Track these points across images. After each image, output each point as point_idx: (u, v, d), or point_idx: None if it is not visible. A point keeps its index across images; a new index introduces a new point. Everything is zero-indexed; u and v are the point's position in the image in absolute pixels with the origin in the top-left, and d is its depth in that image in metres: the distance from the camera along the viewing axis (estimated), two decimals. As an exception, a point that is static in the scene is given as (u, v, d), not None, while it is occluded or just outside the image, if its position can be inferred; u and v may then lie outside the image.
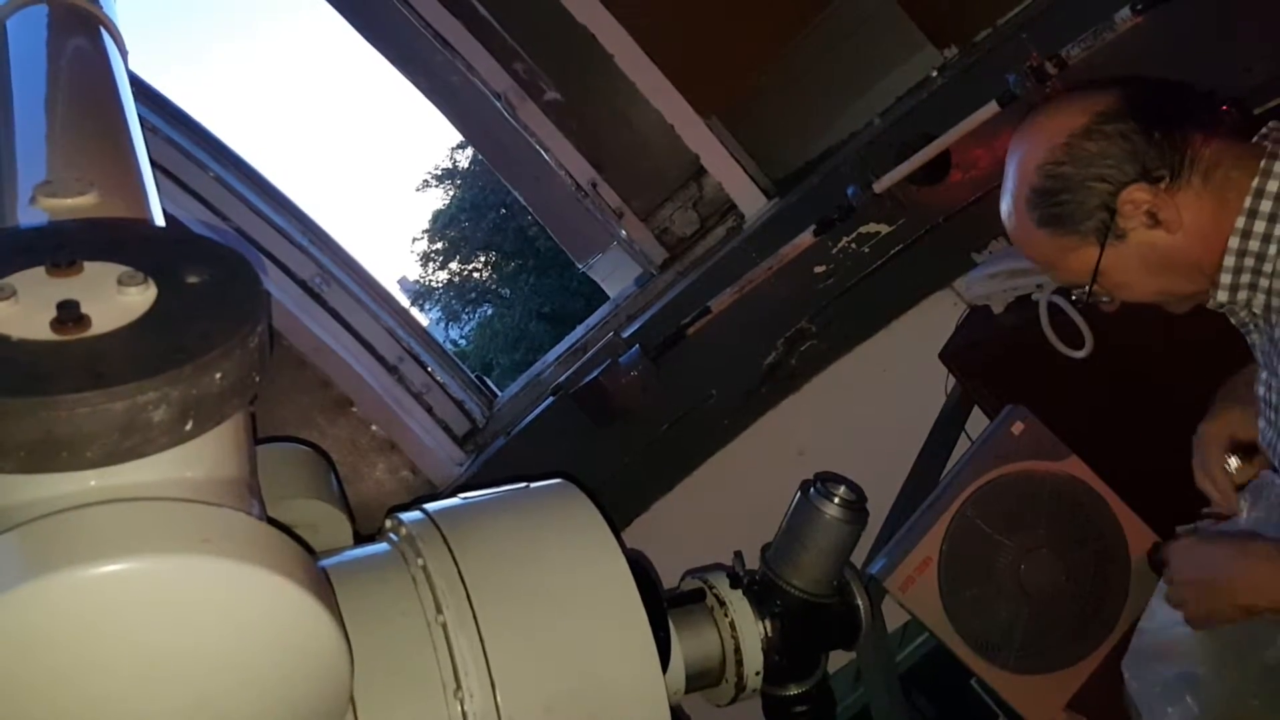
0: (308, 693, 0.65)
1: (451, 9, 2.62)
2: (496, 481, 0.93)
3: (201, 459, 0.64)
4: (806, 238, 2.39)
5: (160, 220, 0.89)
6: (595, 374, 2.47)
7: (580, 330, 3.06)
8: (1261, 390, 1.34)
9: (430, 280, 20.79)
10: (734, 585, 1.06)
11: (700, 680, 1.02)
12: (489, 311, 20.00)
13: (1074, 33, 2.06)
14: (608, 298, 3.16)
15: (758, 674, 1.02)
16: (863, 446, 2.27)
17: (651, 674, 0.81)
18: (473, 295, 20.35)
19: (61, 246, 0.65)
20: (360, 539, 1.06)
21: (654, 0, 2.58)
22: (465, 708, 0.75)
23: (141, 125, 1.02)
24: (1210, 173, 1.27)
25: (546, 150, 2.78)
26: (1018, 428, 1.86)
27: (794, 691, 1.07)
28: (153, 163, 0.97)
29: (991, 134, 2.18)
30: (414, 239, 31.11)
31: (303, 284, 2.76)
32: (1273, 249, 1.23)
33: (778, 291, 2.46)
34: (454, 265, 20.49)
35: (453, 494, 0.92)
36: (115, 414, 0.56)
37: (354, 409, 2.72)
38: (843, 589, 1.10)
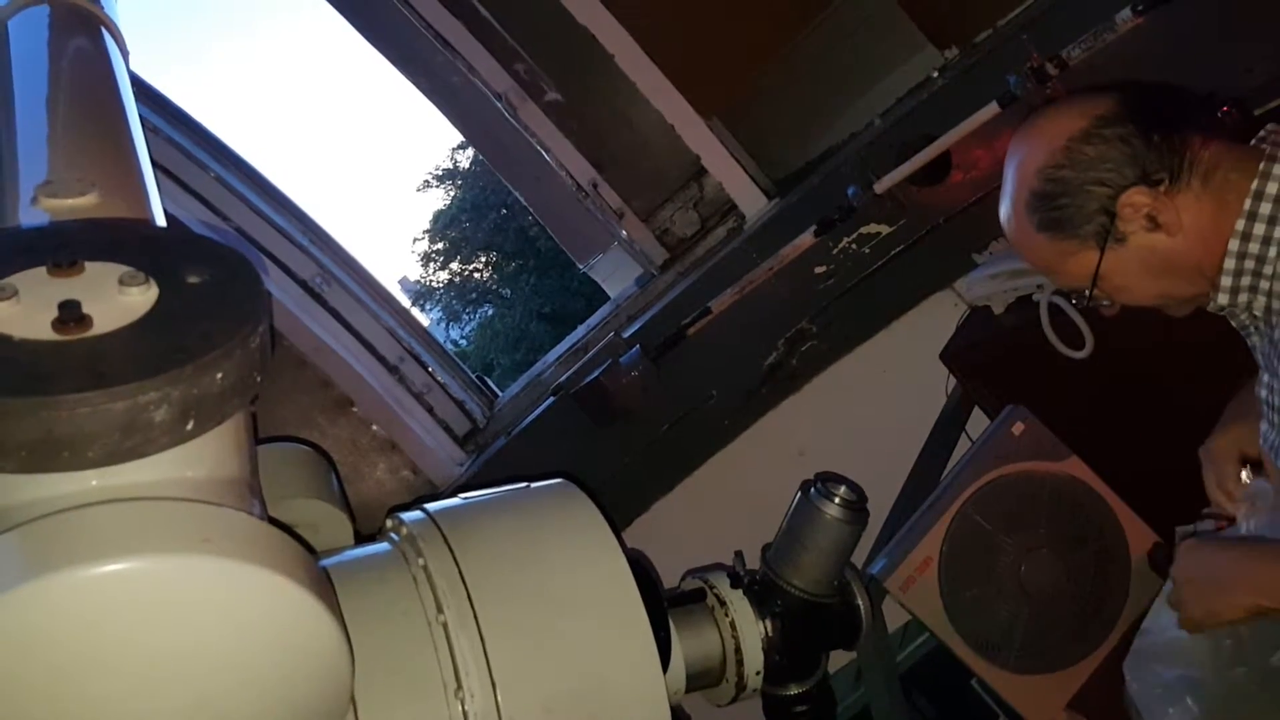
0: (308, 692, 0.65)
1: (452, 9, 2.62)
2: (497, 481, 0.93)
3: (202, 459, 0.64)
4: (807, 238, 2.39)
5: (161, 220, 0.89)
6: (596, 374, 2.47)
7: (581, 330, 3.06)
8: (1263, 392, 1.34)
9: (431, 280, 20.82)
10: (734, 585, 1.06)
11: (701, 680, 1.02)
12: (490, 312, 20.00)
13: (1075, 34, 2.06)
14: (608, 298, 3.16)
15: (758, 674, 1.02)
16: (863, 447, 2.27)
17: (652, 673, 0.81)
18: (473, 295, 20.36)
19: (63, 246, 0.65)
20: (361, 539, 1.06)
21: (654, 0, 2.58)
22: (466, 708, 0.75)
23: (142, 125, 1.03)
24: (1209, 175, 1.27)
25: (547, 150, 2.78)
26: (1018, 428, 1.86)
27: (794, 691, 1.07)
28: (154, 163, 0.97)
29: (992, 135, 2.18)
30: (415, 239, 31.11)
31: (303, 284, 2.76)
32: (1272, 251, 1.23)
33: (778, 292, 2.46)
34: (455, 265, 20.50)
35: (453, 494, 0.92)
36: (116, 414, 0.56)
37: (355, 409, 2.72)
38: (843, 589, 1.10)
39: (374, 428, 2.73)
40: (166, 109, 2.70)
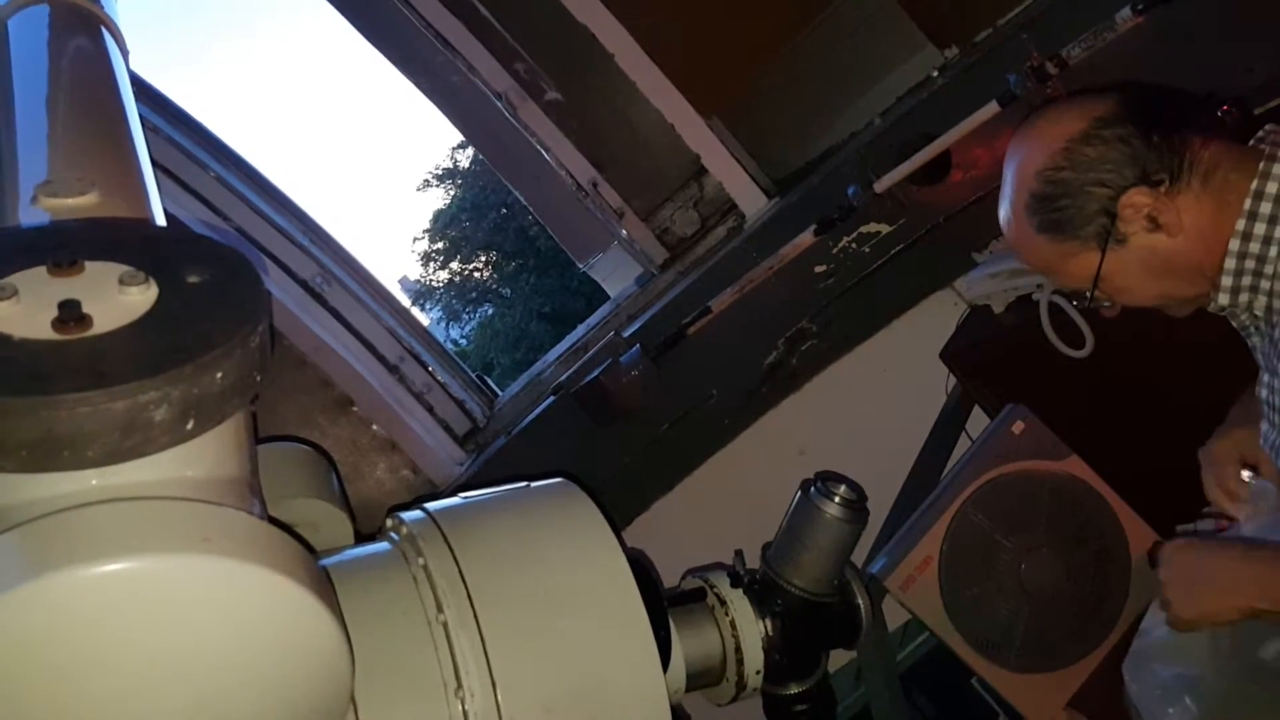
0: (309, 692, 0.65)
1: (452, 9, 2.62)
2: (497, 481, 0.93)
3: (202, 458, 0.65)
4: (807, 237, 2.39)
5: (161, 220, 0.89)
6: (596, 373, 2.47)
7: (581, 330, 3.06)
8: (1264, 392, 1.34)
9: (431, 280, 20.82)
10: (734, 584, 1.06)
11: (701, 679, 1.02)
12: (490, 311, 20.01)
13: (1075, 33, 2.06)
14: (608, 297, 3.16)
15: (758, 673, 1.02)
16: (863, 446, 2.27)
17: (652, 673, 0.81)
18: (473, 295, 20.36)
19: (63, 246, 0.65)
20: (361, 538, 1.06)
21: (654, 0, 2.58)
22: (466, 707, 0.76)
23: (142, 125, 1.02)
24: (1209, 175, 1.27)
25: (547, 150, 2.78)
26: (1018, 427, 1.86)
27: (795, 690, 1.07)
28: (154, 162, 0.97)
29: (992, 134, 2.18)
30: (415, 239, 31.13)
31: (303, 284, 2.76)
32: (1273, 250, 1.23)
33: (778, 291, 2.46)
34: (455, 265, 20.50)
35: (453, 493, 0.92)
36: (116, 413, 0.56)
37: (355, 408, 2.72)
38: (843, 588, 1.10)
39: (374, 427, 2.73)
40: (166, 108, 2.70)
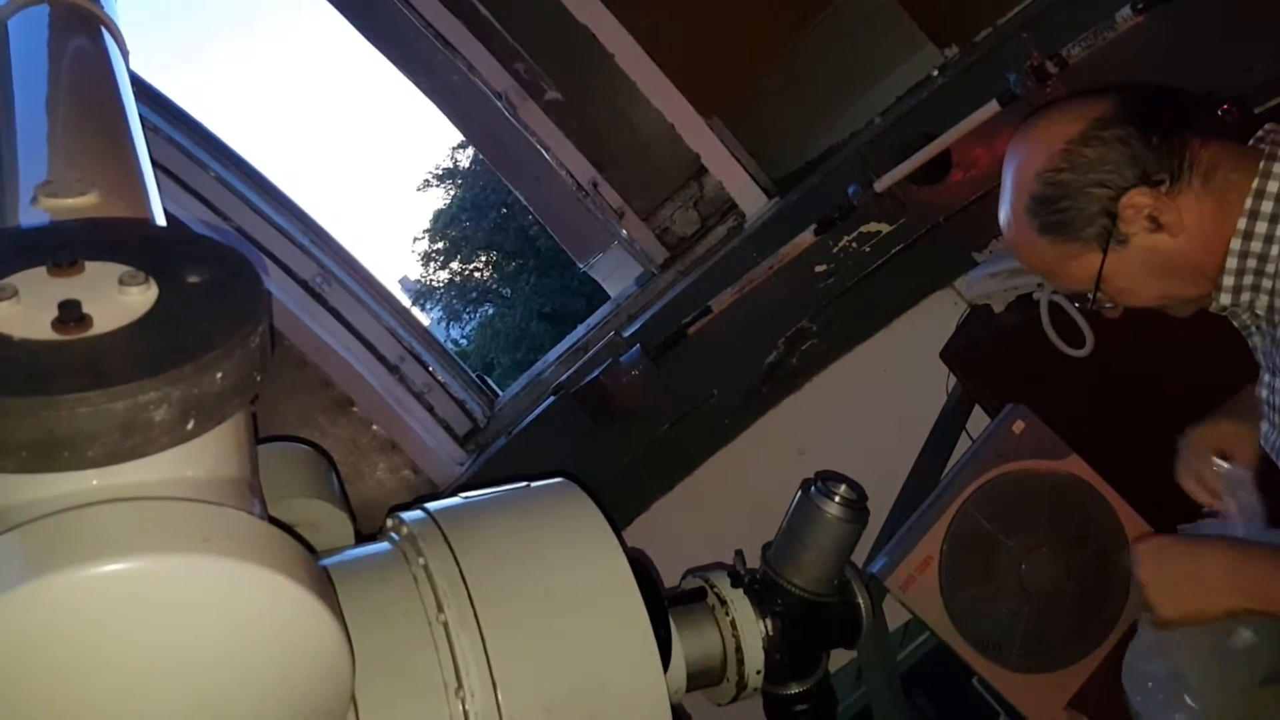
0: (309, 692, 0.65)
1: (452, 9, 2.62)
2: (497, 481, 0.93)
3: (202, 458, 0.65)
4: (807, 237, 2.39)
5: (161, 220, 0.89)
6: (596, 373, 2.47)
7: (581, 330, 3.06)
8: (1264, 393, 1.34)
9: (431, 280, 20.82)
10: (735, 584, 1.06)
11: (701, 679, 1.02)
12: (490, 311, 20.01)
13: (1075, 32, 2.06)
14: (608, 297, 3.16)
15: (759, 673, 1.02)
16: (863, 446, 2.27)
17: (652, 673, 0.81)
18: (474, 295, 20.36)
19: (63, 246, 0.65)
20: (361, 538, 1.06)
21: (655, 0, 2.58)
22: (466, 707, 0.76)
23: (142, 125, 1.02)
24: (1210, 175, 1.27)
25: (547, 150, 2.79)
26: (1019, 426, 1.86)
27: (795, 690, 1.07)
28: (154, 162, 0.97)
29: (992, 133, 2.18)
30: (415, 239, 31.12)
31: (304, 284, 2.76)
32: (1274, 249, 1.23)
33: (778, 291, 2.46)
34: (455, 265, 20.50)
35: (454, 493, 0.92)
36: (116, 413, 0.56)
37: (355, 408, 2.72)
38: (844, 588, 1.10)
39: (374, 427, 2.73)
40: (167, 109, 2.71)
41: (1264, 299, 1.26)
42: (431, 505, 0.89)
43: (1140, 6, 1.98)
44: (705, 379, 2.57)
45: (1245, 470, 1.44)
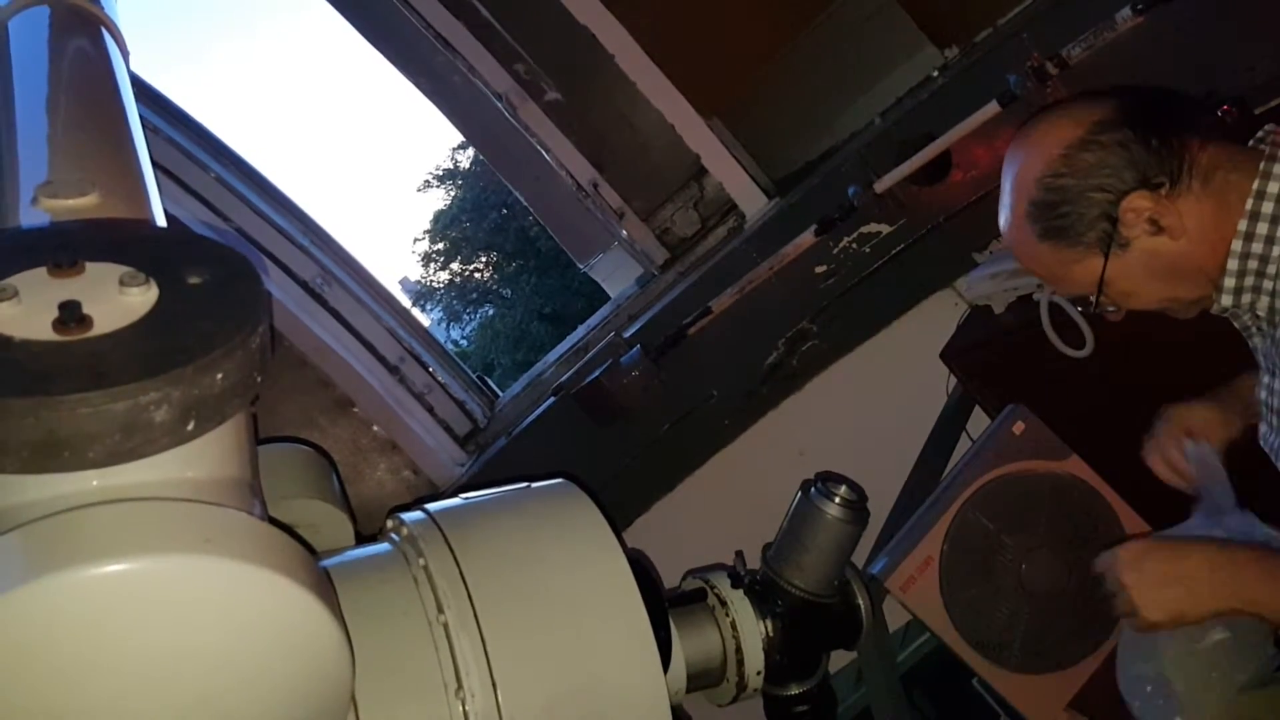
0: (309, 692, 0.65)
1: (452, 9, 2.62)
2: (498, 481, 0.93)
3: (203, 459, 0.64)
4: (807, 238, 2.39)
5: (162, 221, 0.89)
6: (597, 374, 2.47)
7: (581, 330, 3.06)
8: (1263, 394, 1.34)
9: (431, 280, 20.84)
10: (735, 585, 1.06)
11: (701, 680, 1.02)
12: (490, 312, 20.02)
13: (1075, 33, 2.06)
14: (609, 298, 3.16)
15: (759, 674, 1.02)
16: (864, 446, 2.27)
17: (653, 673, 0.81)
18: (474, 295, 20.37)
19: (63, 247, 0.65)
20: (362, 539, 1.06)
21: (655, 1, 2.58)
22: (466, 708, 0.76)
23: (143, 125, 1.02)
24: (1209, 177, 1.26)
25: (547, 150, 2.79)
26: (1019, 427, 1.86)
27: (795, 691, 1.07)
28: (154, 163, 0.97)
29: (992, 134, 2.18)
30: (415, 239, 31.16)
31: (304, 284, 2.76)
32: (1275, 250, 1.23)
33: (779, 291, 2.46)
34: (455, 265, 20.51)
35: (454, 494, 0.92)
36: (117, 414, 0.56)
37: (355, 409, 2.72)
38: (844, 589, 1.10)
39: (374, 428, 2.74)
40: (167, 109, 2.71)
41: (1265, 300, 1.26)
42: (432, 506, 0.89)
43: (1140, 7, 1.98)
44: (705, 380, 2.57)
45: (1212, 448, 1.45)
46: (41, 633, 0.55)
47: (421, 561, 0.82)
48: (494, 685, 0.76)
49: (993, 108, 2.13)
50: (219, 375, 0.59)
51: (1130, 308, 1.37)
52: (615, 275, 3.14)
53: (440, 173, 20.60)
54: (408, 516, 0.88)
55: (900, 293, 2.50)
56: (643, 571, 0.84)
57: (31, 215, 0.77)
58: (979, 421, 2.22)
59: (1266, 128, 1.30)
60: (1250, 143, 1.30)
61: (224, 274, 0.66)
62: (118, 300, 0.62)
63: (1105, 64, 2.04)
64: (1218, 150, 1.28)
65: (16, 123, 0.92)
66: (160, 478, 0.61)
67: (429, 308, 20.33)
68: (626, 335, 2.57)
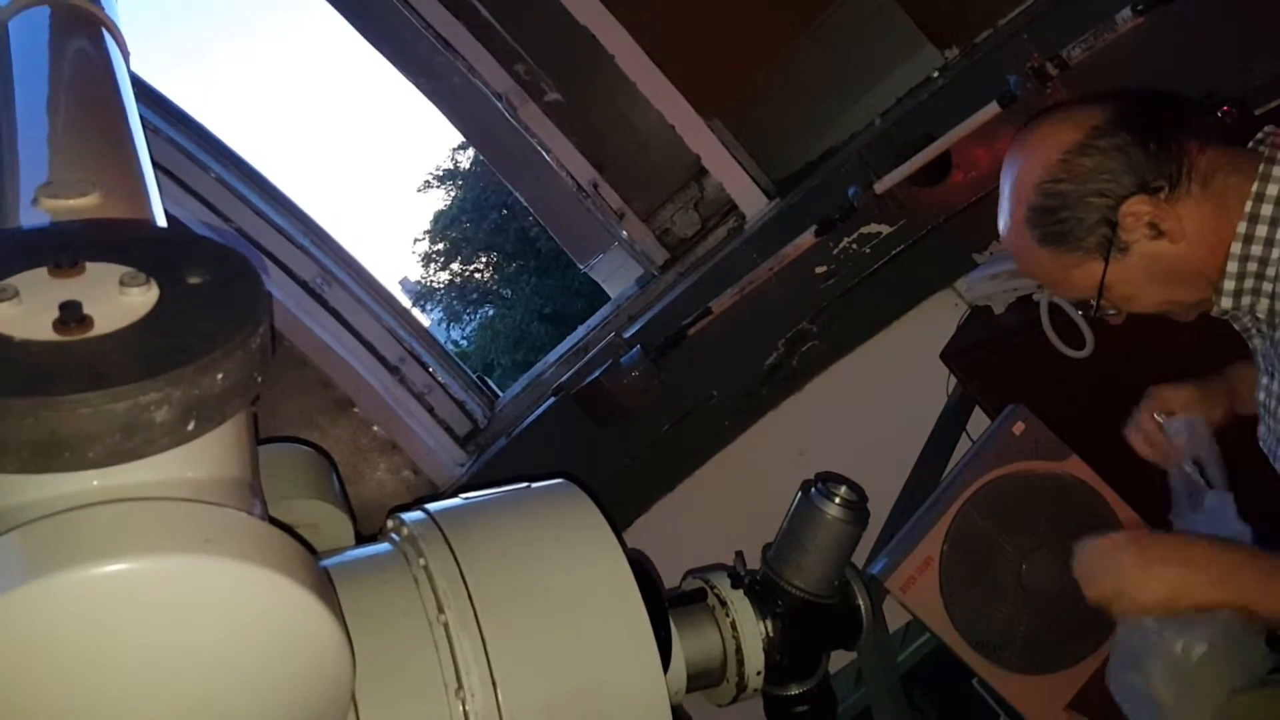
0: (310, 692, 0.65)
1: (452, 10, 2.62)
2: (498, 482, 0.93)
3: (203, 459, 0.65)
4: (807, 238, 2.39)
5: (162, 221, 0.89)
6: (597, 374, 2.47)
7: (581, 331, 3.06)
8: (1261, 396, 1.34)
9: (432, 281, 20.84)
10: (735, 585, 1.06)
11: (701, 680, 1.02)
12: (490, 312, 20.01)
13: (1075, 33, 2.06)
14: (609, 298, 3.16)
15: (759, 674, 1.02)
16: (864, 447, 2.27)
17: (653, 673, 0.81)
18: (474, 296, 20.37)
19: (64, 247, 0.65)
20: (362, 539, 1.06)
21: (655, 1, 2.58)
22: (467, 707, 0.76)
23: (143, 126, 1.03)
24: (1208, 180, 1.27)
25: (548, 151, 2.79)
26: (1019, 428, 1.86)
27: (795, 691, 1.07)
28: (154, 163, 0.97)
29: (992, 135, 2.18)
30: (415, 240, 31.17)
31: (304, 284, 2.76)
32: (1274, 253, 1.23)
33: (779, 292, 2.46)
34: (455, 266, 20.51)
35: (454, 494, 0.92)
36: (117, 414, 0.56)
37: (355, 409, 2.72)
38: (844, 589, 1.11)
39: (375, 428, 2.74)
40: (167, 109, 2.71)
41: (1264, 302, 1.26)
42: (432, 506, 0.89)
43: (1140, 8, 1.98)
44: (705, 380, 2.57)
45: (1203, 422, 1.46)
46: (42, 633, 0.55)
47: (422, 561, 0.82)
48: (494, 685, 0.76)
49: (993, 108, 2.13)
50: (219, 375, 0.59)
51: (1130, 311, 1.37)
52: (615, 276, 3.14)
53: (440, 173, 20.63)
54: (408, 516, 0.88)
55: (900, 293, 2.50)
56: (643, 571, 0.84)
57: (32, 215, 0.77)
58: (979, 422, 2.22)
59: (1266, 129, 1.30)
60: (1250, 144, 1.30)
61: (224, 274, 0.66)
62: (118, 300, 0.62)
63: (1105, 65, 2.04)
64: (1216, 153, 1.28)
65: (17, 123, 0.92)
66: (160, 478, 0.61)
67: (429, 308, 20.34)
68: (626, 336, 2.57)
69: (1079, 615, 1.82)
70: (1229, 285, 1.27)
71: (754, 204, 2.66)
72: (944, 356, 2.26)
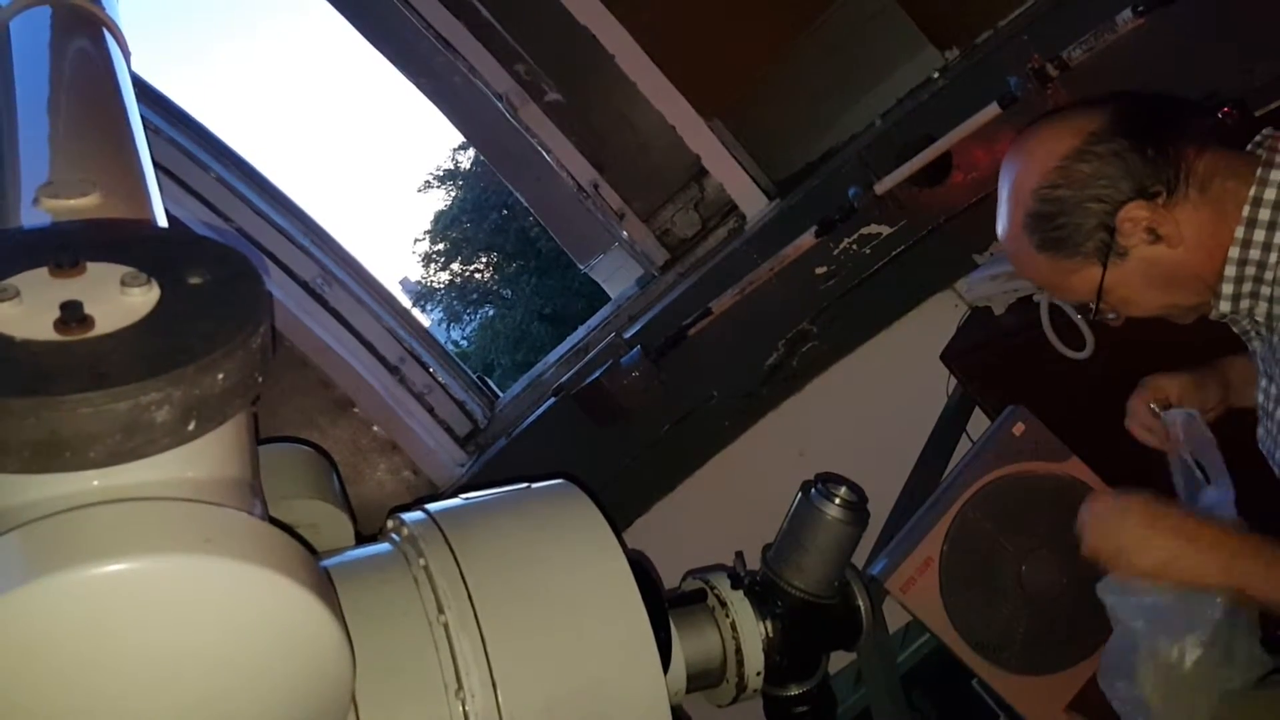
0: (310, 692, 0.65)
1: (453, 10, 2.62)
2: (498, 482, 0.94)
3: (204, 459, 0.65)
4: (808, 239, 2.39)
5: (163, 221, 0.89)
6: (597, 375, 2.47)
7: (582, 331, 3.06)
8: (1260, 398, 1.34)
9: (432, 281, 20.83)
10: (735, 586, 1.06)
11: (701, 680, 1.02)
12: (490, 312, 20.01)
13: (1076, 34, 2.06)
14: (609, 299, 3.16)
15: (759, 674, 1.02)
16: (864, 447, 2.27)
17: (653, 674, 0.81)
18: (474, 296, 20.36)
19: (64, 247, 0.65)
20: (362, 539, 1.06)
21: (656, 1, 2.58)
22: (467, 708, 0.76)
23: (144, 126, 1.03)
24: (1206, 184, 1.27)
25: (548, 151, 2.79)
26: (1019, 428, 1.86)
27: (795, 692, 1.07)
28: (155, 163, 0.97)
29: (993, 135, 2.18)
30: (415, 240, 31.18)
31: (305, 285, 2.77)
32: (1273, 257, 1.23)
33: (779, 292, 2.46)
34: (455, 266, 20.50)
35: (454, 494, 0.92)
36: (118, 414, 0.56)
37: (355, 409, 2.72)
38: (844, 589, 1.11)
39: (375, 428, 2.74)
40: (168, 109, 2.71)
41: (1263, 306, 1.27)
42: (432, 506, 0.89)
43: (1141, 9, 1.98)
44: (706, 380, 2.57)
45: (1199, 415, 1.46)
46: (42, 633, 0.55)
47: (422, 562, 0.82)
48: (494, 685, 0.76)
49: (993, 109, 2.13)
50: (220, 375, 0.59)
51: (1130, 314, 1.38)
52: (615, 276, 3.14)
53: (441, 173, 20.62)
54: (408, 517, 0.88)
55: (900, 294, 2.50)
56: (643, 572, 0.84)
57: (33, 215, 0.77)
58: (979, 423, 2.22)
59: (1264, 132, 1.30)
60: (1248, 147, 1.30)
61: (225, 274, 0.66)
62: (119, 300, 0.62)
63: (1106, 66, 2.04)
64: (1214, 157, 1.28)
65: (18, 123, 0.92)
66: (161, 478, 0.61)
67: (429, 308, 20.33)
68: (627, 336, 2.57)
69: (1079, 616, 1.82)
70: (1227, 289, 1.27)
71: (754, 204, 2.66)
72: (944, 357, 2.26)
